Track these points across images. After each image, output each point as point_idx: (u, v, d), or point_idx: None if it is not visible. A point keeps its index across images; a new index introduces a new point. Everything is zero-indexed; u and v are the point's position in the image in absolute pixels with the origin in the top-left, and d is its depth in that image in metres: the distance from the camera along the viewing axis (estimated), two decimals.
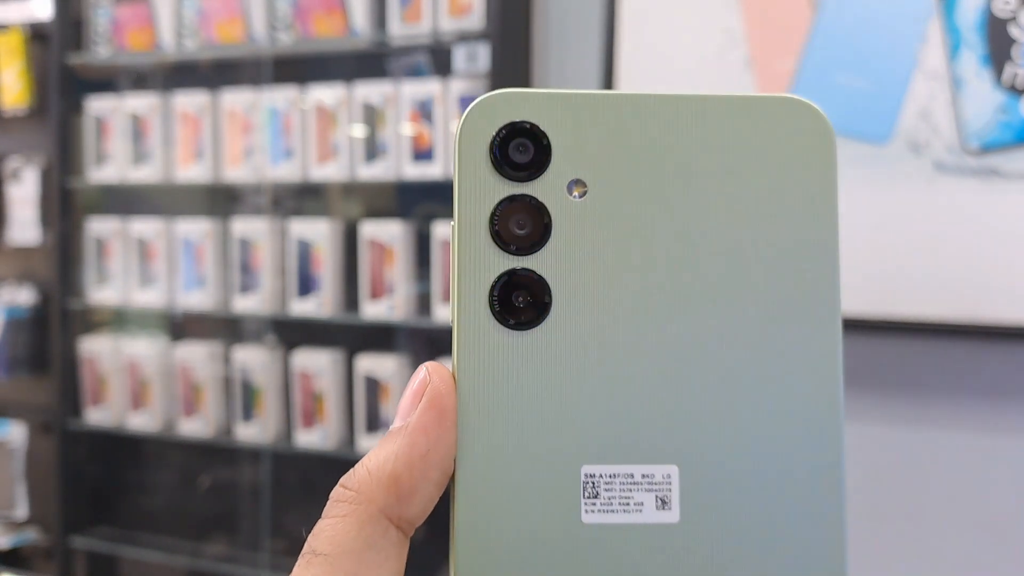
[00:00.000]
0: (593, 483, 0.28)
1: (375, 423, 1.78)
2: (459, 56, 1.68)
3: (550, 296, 0.28)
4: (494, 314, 0.28)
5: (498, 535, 0.27)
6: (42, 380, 2.14)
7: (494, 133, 0.29)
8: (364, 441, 1.78)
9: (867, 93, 1.36)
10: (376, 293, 1.76)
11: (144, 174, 1.97)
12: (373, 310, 1.76)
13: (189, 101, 1.92)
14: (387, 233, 1.76)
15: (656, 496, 0.28)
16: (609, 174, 0.29)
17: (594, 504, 0.28)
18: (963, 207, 1.31)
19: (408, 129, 1.73)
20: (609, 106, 0.29)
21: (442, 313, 1.70)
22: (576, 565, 0.27)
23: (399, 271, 1.74)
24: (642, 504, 0.28)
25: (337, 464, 1.93)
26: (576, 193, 0.29)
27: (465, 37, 1.68)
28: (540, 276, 0.28)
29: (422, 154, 1.71)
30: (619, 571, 0.28)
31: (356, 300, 1.80)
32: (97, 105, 2.00)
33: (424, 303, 1.75)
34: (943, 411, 1.36)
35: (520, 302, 0.28)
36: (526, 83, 1.67)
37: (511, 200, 0.29)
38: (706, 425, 0.28)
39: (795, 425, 0.28)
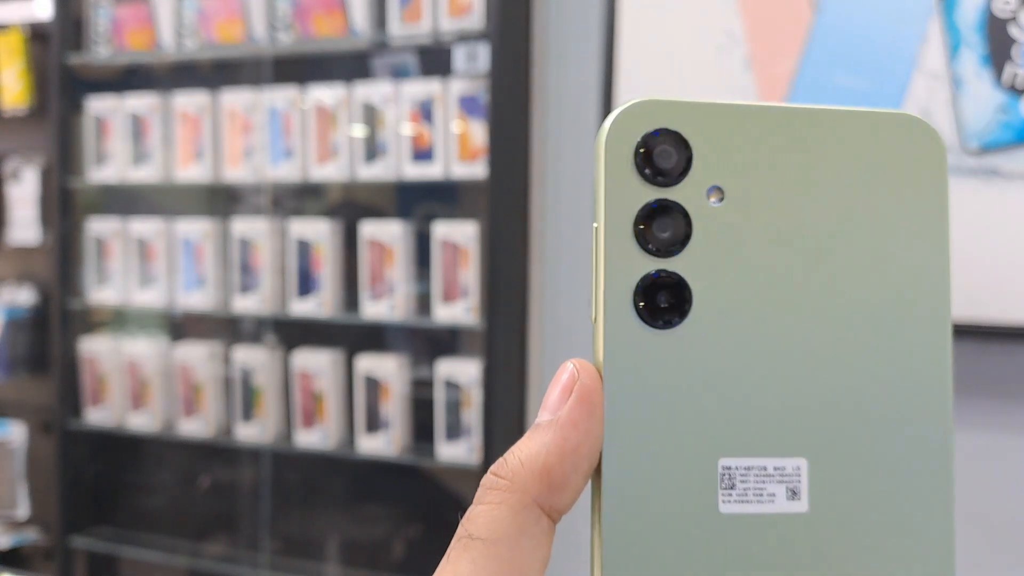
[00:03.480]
0: (730, 475, 0.30)
1: (375, 423, 1.78)
2: (459, 56, 1.68)
3: (690, 296, 0.30)
4: (638, 313, 0.30)
5: (642, 524, 0.29)
6: (42, 380, 2.14)
7: (639, 139, 0.30)
8: (364, 441, 1.78)
9: (867, 93, 1.36)
10: (376, 293, 1.76)
11: (144, 174, 1.97)
12: (373, 310, 1.76)
13: (189, 101, 1.92)
14: (387, 233, 1.76)
15: (787, 487, 0.30)
16: (744, 181, 0.30)
17: (730, 495, 0.29)
18: (963, 207, 1.31)
19: (408, 129, 1.73)
20: (744, 116, 0.31)
21: (442, 313, 1.70)
22: (714, 552, 0.29)
23: (399, 271, 1.74)
24: (774, 495, 0.30)
25: (337, 464, 1.93)
26: (714, 199, 0.30)
27: (465, 37, 1.68)
28: (682, 277, 0.30)
29: (422, 154, 1.71)
30: (754, 558, 0.29)
31: (356, 300, 1.80)
32: (97, 105, 2.00)
33: (424, 303, 1.75)
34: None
35: (663, 302, 0.30)
36: (526, 82, 1.67)
37: (655, 204, 0.30)
38: (831, 422, 0.30)
39: (909, 426, 0.30)
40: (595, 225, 0.30)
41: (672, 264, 0.30)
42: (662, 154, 0.30)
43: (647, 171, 0.30)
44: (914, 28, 1.34)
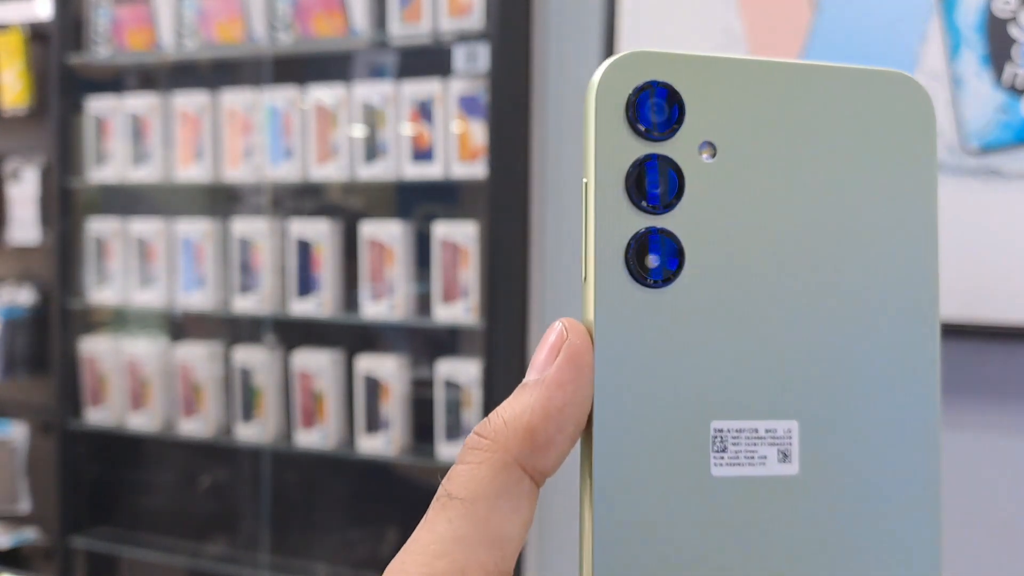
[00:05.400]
0: (721, 437, 0.29)
1: (375, 423, 1.78)
2: (459, 56, 1.68)
3: (683, 255, 0.29)
4: (629, 271, 0.29)
5: (634, 487, 0.28)
6: (42, 380, 2.14)
7: (630, 92, 0.29)
8: (364, 441, 1.78)
9: None
10: (376, 293, 1.77)
11: (144, 174, 1.97)
12: (373, 310, 1.77)
13: (189, 101, 1.92)
14: (387, 233, 1.76)
15: (778, 449, 0.29)
16: (735, 137, 0.30)
17: (722, 457, 0.29)
18: (963, 207, 1.32)
19: (408, 129, 1.73)
20: (736, 70, 0.30)
21: (442, 313, 1.70)
22: (706, 515, 0.29)
23: (399, 271, 1.74)
24: (765, 457, 0.29)
25: (337, 464, 1.93)
26: (706, 155, 0.29)
27: (465, 37, 1.68)
28: (675, 235, 0.29)
29: (422, 154, 1.71)
30: (745, 520, 0.29)
31: (356, 300, 1.80)
32: (97, 105, 2.00)
33: (424, 303, 1.75)
34: (943, 411, 1.37)
35: (655, 260, 0.29)
36: (526, 83, 1.67)
37: (647, 159, 0.29)
38: (822, 384, 0.30)
39: (897, 389, 0.30)
40: (584, 180, 0.29)
41: (665, 221, 0.29)
42: (655, 107, 0.29)
43: (639, 125, 0.29)
44: (914, 28, 1.34)
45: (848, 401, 0.30)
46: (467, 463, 0.28)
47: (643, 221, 0.29)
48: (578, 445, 0.29)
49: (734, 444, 0.29)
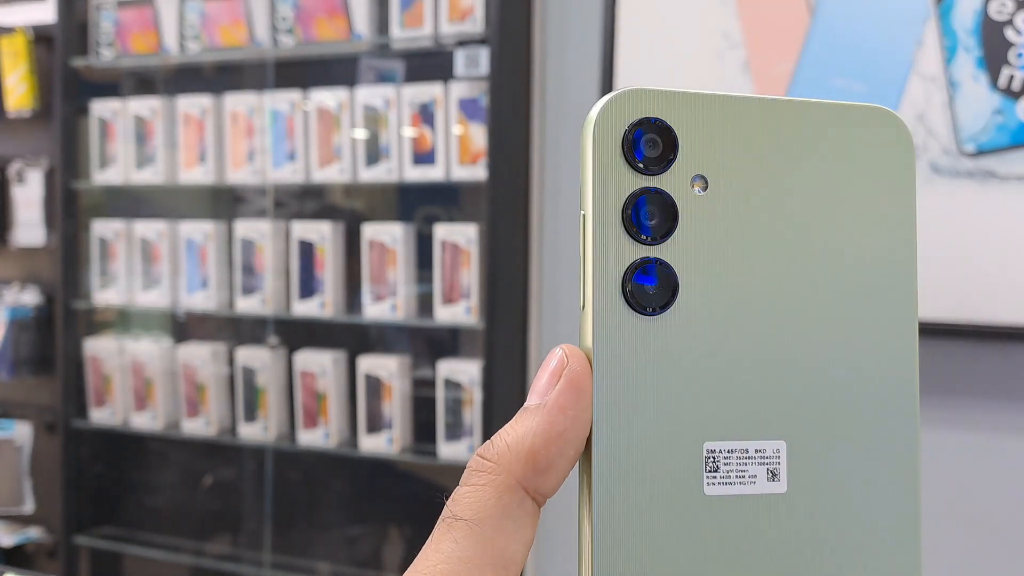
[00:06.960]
0: (714, 458, 0.30)
1: (376, 423, 1.79)
2: (460, 60, 1.70)
3: (677, 284, 0.31)
4: (626, 300, 0.30)
5: (630, 506, 0.30)
6: (47, 380, 2.15)
7: (626, 128, 0.31)
8: (366, 440, 1.80)
9: (864, 96, 1.37)
10: (377, 294, 1.78)
11: (148, 176, 1.98)
12: (374, 311, 1.78)
13: (192, 104, 1.94)
14: (388, 235, 1.77)
15: (767, 469, 0.31)
16: (726, 171, 0.31)
17: (715, 477, 0.30)
18: (959, 209, 1.33)
19: (409, 132, 1.74)
20: (727, 106, 0.32)
21: (442, 314, 1.71)
22: (700, 532, 0.30)
23: (400, 272, 1.76)
24: (755, 477, 0.31)
25: (339, 463, 1.94)
26: (698, 188, 0.31)
27: (465, 41, 1.69)
28: (670, 265, 0.30)
29: (423, 157, 1.73)
30: (737, 537, 0.30)
31: (358, 301, 1.81)
32: (101, 107, 2.02)
33: (425, 304, 1.76)
34: (939, 411, 1.38)
35: (651, 289, 0.30)
36: (526, 87, 1.69)
37: (643, 192, 0.30)
38: (809, 406, 0.31)
39: (878, 409, 0.32)
40: (582, 213, 0.31)
41: (660, 252, 0.30)
42: (649, 143, 0.31)
43: (635, 159, 0.30)
44: (911, 31, 1.35)
45: (833, 422, 0.31)
46: (472, 485, 0.29)
47: (639, 252, 0.30)
48: (577, 465, 0.30)
49: (725, 464, 0.30)
